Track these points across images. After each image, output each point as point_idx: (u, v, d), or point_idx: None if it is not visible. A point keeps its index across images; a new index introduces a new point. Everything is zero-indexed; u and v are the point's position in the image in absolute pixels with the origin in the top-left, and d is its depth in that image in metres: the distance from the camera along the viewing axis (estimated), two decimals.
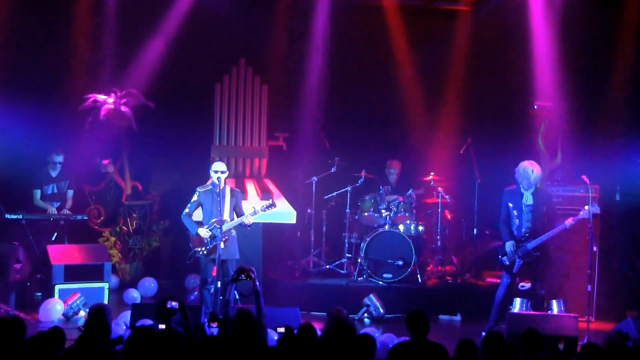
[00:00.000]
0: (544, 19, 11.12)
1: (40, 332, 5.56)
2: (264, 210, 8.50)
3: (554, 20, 11.03)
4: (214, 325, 6.07)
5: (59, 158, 10.20)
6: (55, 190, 10.21)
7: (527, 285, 8.65)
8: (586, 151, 10.40)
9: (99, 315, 5.60)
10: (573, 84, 10.88)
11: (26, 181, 10.23)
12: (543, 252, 8.53)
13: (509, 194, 8.64)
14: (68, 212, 10.12)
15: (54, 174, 10.23)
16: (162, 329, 6.20)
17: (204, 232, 8.40)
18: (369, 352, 5.73)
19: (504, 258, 8.54)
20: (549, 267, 8.63)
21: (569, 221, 8.37)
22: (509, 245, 8.48)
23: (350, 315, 7.84)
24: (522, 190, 8.55)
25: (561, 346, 5.97)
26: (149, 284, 10.46)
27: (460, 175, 10.93)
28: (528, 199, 8.53)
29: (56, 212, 9.99)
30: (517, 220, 8.53)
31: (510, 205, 8.56)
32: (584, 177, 8.56)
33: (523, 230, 8.51)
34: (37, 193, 10.13)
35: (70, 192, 10.33)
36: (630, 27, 10.80)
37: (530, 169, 8.50)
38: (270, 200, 8.60)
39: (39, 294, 9.58)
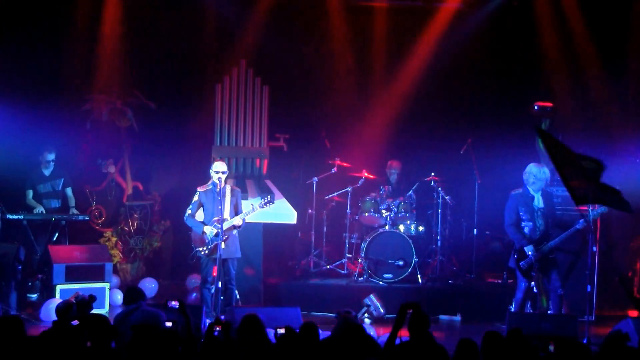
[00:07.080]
0: (545, 18, 11.14)
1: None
2: (262, 207, 8.52)
3: (554, 19, 11.05)
4: (218, 328, 6.08)
5: (51, 156, 10.13)
6: (50, 189, 10.18)
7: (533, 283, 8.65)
8: (586, 151, 10.39)
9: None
10: (573, 84, 10.90)
11: (25, 182, 10.24)
12: (557, 253, 8.53)
13: (519, 198, 8.51)
14: (75, 211, 10.13)
15: (47, 172, 10.19)
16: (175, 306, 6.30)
17: (209, 230, 8.43)
18: (375, 352, 5.76)
19: (523, 262, 8.44)
20: (557, 268, 8.63)
21: (581, 221, 8.33)
22: (530, 250, 8.38)
23: None
24: (532, 192, 8.48)
25: (551, 347, 5.93)
26: (150, 285, 10.45)
27: (461, 175, 10.93)
28: (539, 201, 8.46)
29: (44, 212, 9.97)
30: (530, 224, 8.44)
31: (521, 209, 8.46)
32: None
33: (538, 233, 8.44)
34: (30, 193, 10.11)
35: (69, 190, 10.30)
36: (635, 26, 10.81)
37: (545, 170, 8.45)
38: (268, 197, 8.62)
39: (33, 296, 9.54)
